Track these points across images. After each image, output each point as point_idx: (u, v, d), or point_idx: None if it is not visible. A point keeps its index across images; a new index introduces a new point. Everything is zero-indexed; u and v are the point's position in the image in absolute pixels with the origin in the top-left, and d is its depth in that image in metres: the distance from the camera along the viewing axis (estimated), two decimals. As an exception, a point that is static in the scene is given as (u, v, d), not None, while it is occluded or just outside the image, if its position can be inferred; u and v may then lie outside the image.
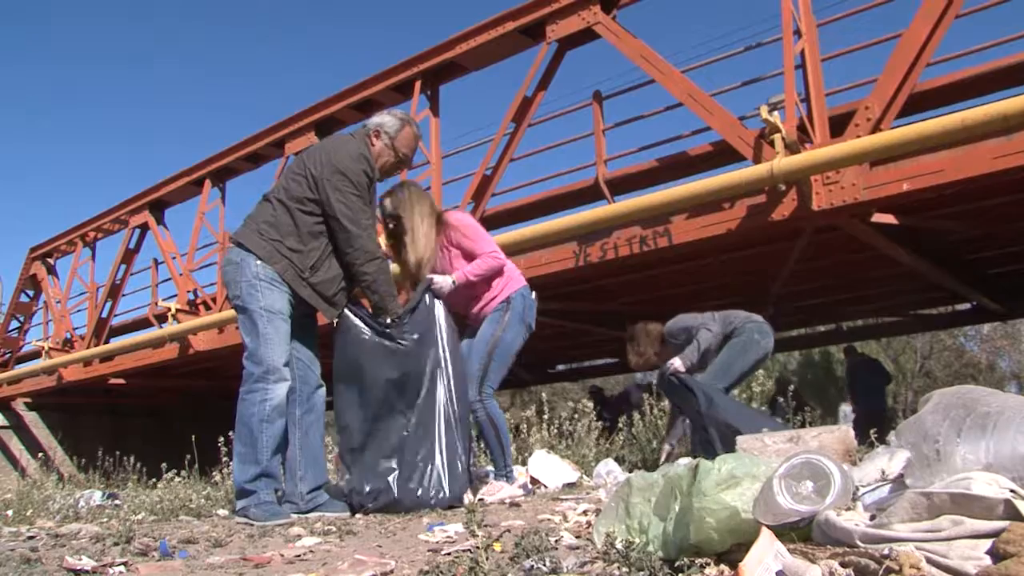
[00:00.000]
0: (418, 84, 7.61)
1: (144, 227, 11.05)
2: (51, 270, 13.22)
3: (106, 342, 11.83)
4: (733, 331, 4.90)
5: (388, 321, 3.36)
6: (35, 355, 13.65)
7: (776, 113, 5.23)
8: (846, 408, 14.33)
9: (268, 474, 3.19)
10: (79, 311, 12.77)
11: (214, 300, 9.92)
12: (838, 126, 5.28)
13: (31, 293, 13.79)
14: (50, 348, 12.38)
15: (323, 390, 3.51)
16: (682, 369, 4.70)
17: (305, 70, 78.48)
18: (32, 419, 13.21)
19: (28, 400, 13.24)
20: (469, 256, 3.71)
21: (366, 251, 3.29)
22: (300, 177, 3.34)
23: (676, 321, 5.03)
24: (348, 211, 3.26)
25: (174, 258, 10.56)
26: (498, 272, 3.76)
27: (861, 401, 10.57)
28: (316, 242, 3.32)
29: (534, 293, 3.87)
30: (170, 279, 10.82)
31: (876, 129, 4.98)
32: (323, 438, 3.57)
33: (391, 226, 3.77)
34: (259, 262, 3.26)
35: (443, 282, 3.56)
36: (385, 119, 3.57)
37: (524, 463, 4.34)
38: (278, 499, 3.25)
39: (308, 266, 3.29)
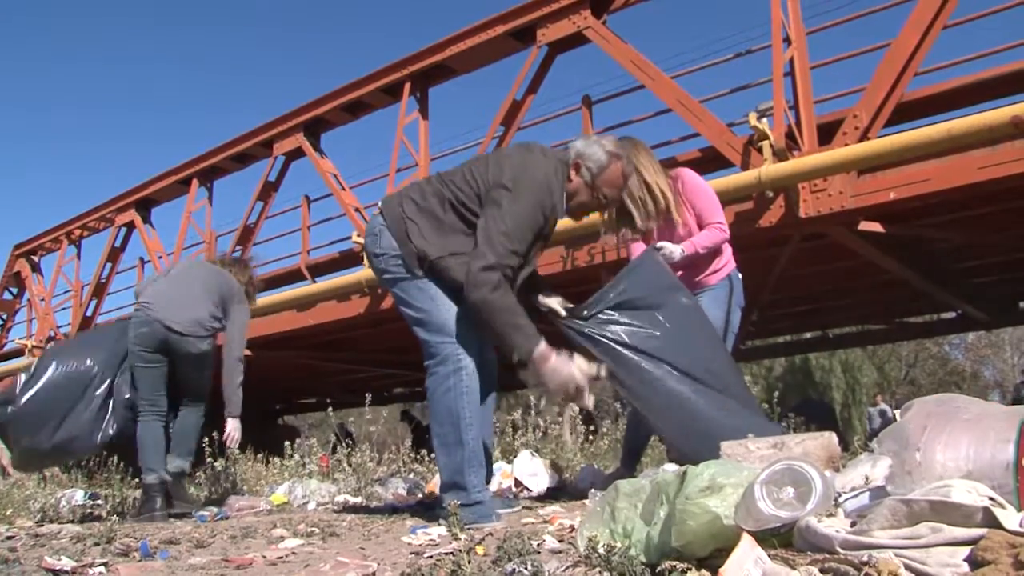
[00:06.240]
0: (407, 86, 7.60)
1: (130, 226, 10.98)
2: (35, 267, 13.11)
3: (90, 341, 11.72)
4: None
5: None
6: (18, 353, 13.51)
7: (765, 120, 5.25)
8: (871, 410, 14.25)
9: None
10: (63, 309, 12.68)
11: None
12: (826, 134, 5.31)
13: (15, 290, 13.68)
14: (33, 346, 12.24)
15: None
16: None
17: (294, 70, 78.44)
18: (14, 417, 13.04)
19: (10, 398, 13.09)
20: (695, 220, 3.43)
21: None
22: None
23: None
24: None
25: (160, 257, 10.49)
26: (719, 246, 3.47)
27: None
28: None
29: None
30: (156, 278, 10.74)
31: (864, 138, 5.01)
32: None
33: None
34: None
35: (672, 251, 3.30)
36: (591, 149, 2.87)
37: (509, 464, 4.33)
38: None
39: None
